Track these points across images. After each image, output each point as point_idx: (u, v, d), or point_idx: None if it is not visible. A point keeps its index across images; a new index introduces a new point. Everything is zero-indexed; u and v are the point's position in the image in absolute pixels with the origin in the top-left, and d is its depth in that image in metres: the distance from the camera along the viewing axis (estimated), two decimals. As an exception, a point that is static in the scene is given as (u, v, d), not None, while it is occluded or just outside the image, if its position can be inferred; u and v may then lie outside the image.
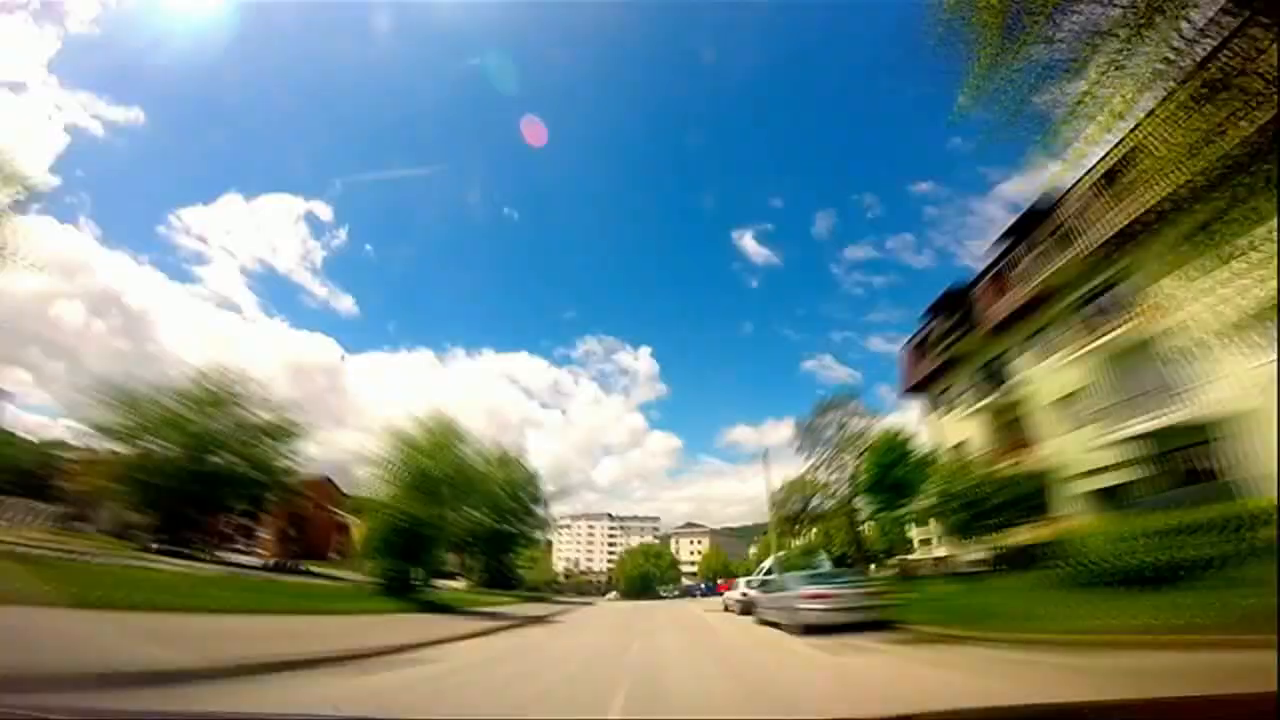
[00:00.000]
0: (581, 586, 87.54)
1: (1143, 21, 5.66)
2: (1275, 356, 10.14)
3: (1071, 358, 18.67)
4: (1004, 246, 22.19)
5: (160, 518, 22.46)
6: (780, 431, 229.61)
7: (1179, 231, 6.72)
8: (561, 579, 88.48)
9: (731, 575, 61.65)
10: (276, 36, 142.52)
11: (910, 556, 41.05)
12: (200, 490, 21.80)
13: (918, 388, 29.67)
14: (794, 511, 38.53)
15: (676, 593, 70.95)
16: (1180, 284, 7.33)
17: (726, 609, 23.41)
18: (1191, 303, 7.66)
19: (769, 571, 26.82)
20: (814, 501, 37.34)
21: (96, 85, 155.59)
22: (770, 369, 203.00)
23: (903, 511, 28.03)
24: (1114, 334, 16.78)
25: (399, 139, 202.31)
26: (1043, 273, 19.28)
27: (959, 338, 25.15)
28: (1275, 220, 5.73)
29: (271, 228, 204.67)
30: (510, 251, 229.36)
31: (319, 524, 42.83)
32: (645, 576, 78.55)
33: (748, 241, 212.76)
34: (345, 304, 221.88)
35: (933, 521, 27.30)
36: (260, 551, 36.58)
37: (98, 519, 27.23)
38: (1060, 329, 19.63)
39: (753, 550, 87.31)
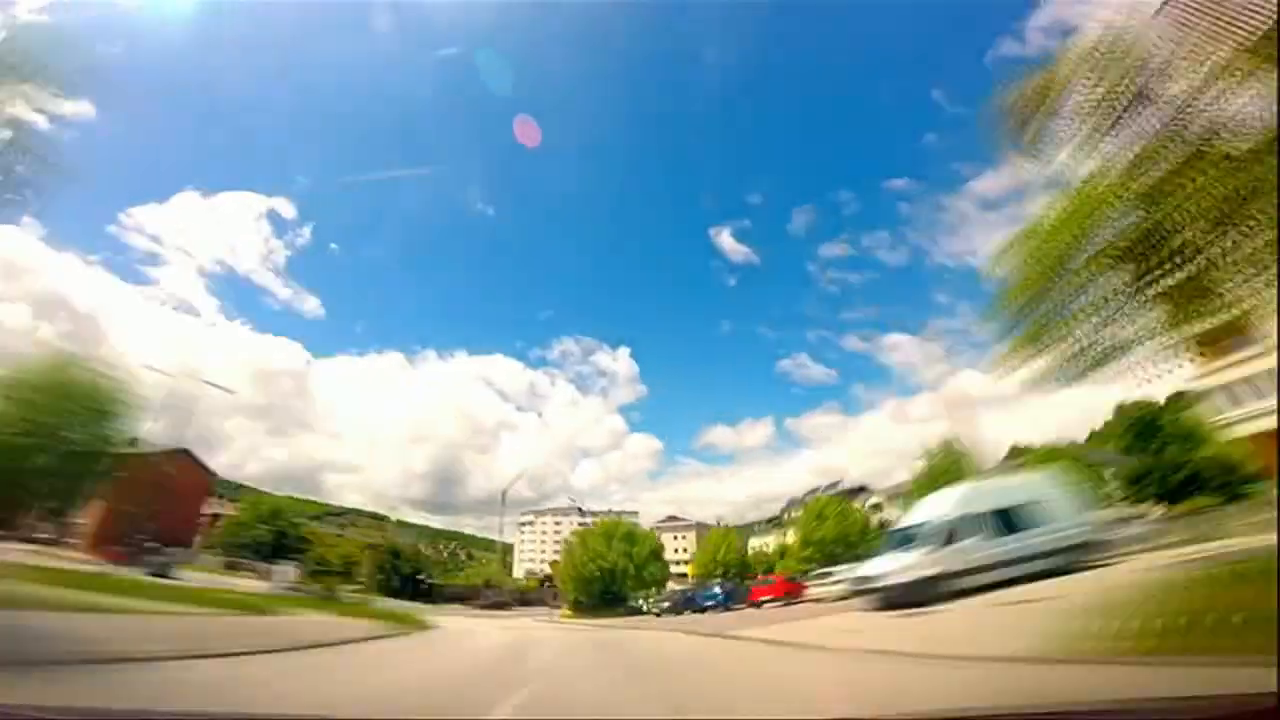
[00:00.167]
0: (528, 595, 62.58)
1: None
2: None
3: None
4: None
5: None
6: (756, 432, 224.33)
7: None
8: (527, 582, 77.76)
9: (761, 571, 49.34)
10: (235, 23, 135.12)
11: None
12: None
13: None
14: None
15: (666, 606, 36.34)
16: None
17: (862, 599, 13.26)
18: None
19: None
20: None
21: (40, 75, 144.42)
22: (747, 368, 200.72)
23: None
24: None
25: (364, 134, 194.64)
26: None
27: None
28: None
29: (231, 227, 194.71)
30: (484, 251, 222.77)
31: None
32: (610, 576, 44.87)
33: (725, 239, 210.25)
34: (310, 305, 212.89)
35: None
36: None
37: None
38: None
39: (762, 540, 70.64)
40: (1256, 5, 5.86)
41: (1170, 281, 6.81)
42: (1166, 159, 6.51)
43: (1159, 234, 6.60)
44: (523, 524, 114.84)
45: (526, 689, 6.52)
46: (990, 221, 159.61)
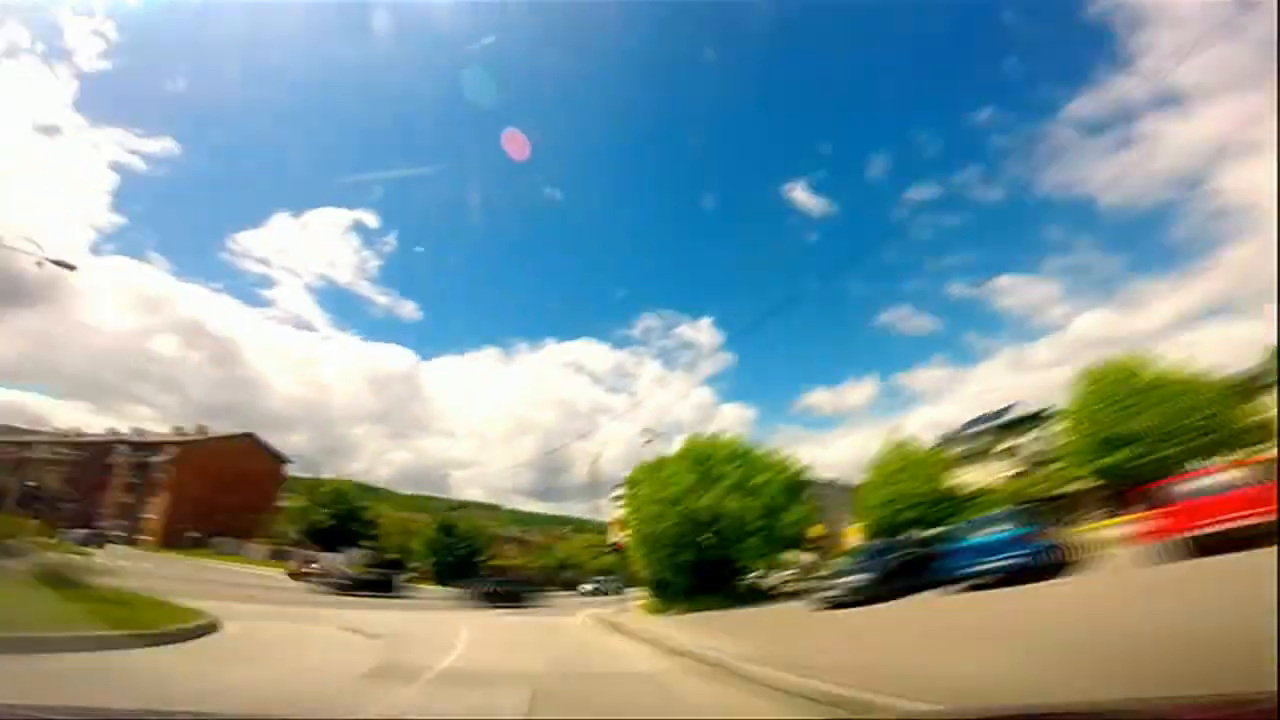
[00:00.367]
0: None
1: None
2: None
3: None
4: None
5: None
6: (859, 391, 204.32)
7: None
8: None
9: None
10: (284, 40, 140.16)
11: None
12: None
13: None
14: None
15: (846, 586, 15.21)
16: None
17: None
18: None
19: None
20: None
21: (123, 119, 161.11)
22: (842, 326, 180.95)
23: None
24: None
25: (417, 136, 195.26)
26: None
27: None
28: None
29: (324, 242, 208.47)
30: (555, 236, 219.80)
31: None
32: (709, 530, 20.50)
33: (799, 194, 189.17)
34: (408, 310, 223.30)
35: None
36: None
37: None
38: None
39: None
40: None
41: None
42: None
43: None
44: (616, 499, 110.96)
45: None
46: (1097, 148, 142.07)
